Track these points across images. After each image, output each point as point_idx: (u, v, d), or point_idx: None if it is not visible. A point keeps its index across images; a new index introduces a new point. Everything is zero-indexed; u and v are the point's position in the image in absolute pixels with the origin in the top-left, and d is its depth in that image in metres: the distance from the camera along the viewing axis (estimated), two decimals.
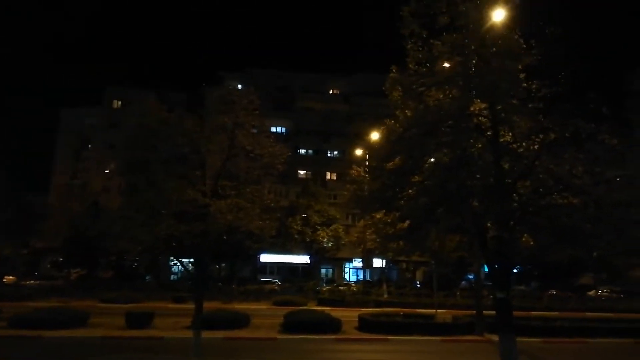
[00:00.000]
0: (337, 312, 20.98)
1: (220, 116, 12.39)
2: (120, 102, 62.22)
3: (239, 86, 49.85)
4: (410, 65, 10.20)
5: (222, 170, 12.19)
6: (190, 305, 25.95)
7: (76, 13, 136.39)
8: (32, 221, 42.53)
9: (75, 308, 20.62)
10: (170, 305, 28.07)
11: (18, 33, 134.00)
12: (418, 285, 43.01)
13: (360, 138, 40.64)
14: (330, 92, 62.60)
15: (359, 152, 36.67)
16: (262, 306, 28.35)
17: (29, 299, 27.26)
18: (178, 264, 47.34)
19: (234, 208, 11.88)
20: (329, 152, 58.83)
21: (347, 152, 52.05)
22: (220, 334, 16.59)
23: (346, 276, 51.45)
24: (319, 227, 42.39)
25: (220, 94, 12.98)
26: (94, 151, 59.07)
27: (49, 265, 45.03)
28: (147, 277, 43.12)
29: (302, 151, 57.26)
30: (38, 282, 36.83)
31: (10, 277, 38.07)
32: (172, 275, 47.52)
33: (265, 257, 48.08)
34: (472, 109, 9.84)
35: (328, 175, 56.54)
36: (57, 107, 63.33)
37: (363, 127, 42.52)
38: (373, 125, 31.25)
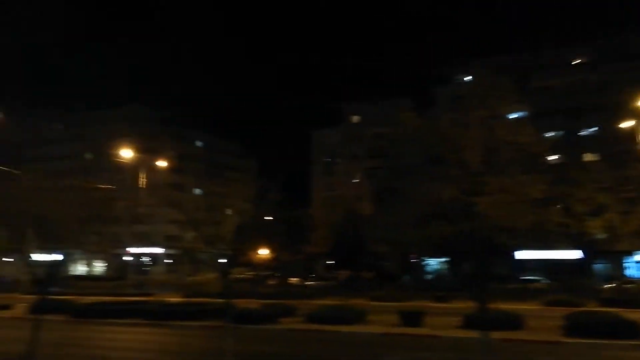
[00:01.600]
0: (630, 314, 17.91)
1: (474, 111, 12.09)
2: (358, 117, 67.70)
3: (468, 78, 48.45)
4: None
5: (482, 165, 11.83)
6: (453, 305, 26.17)
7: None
8: (302, 231, 49.72)
9: (351, 306, 22.89)
10: (433, 304, 28.63)
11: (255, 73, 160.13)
12: None
13: (622, 109, 34.30)
14: (572, 63, 54.82)
15: (628, 124, 30.92)
16: (530, 306, 26.36)
17: (312, 297, 31.64)
18: (431, 263, 48.07)
19: (500, 204, 11.38)
20: (581, 130, 51.35)
21: (606, 128, 44.47)
22: (496, 335, 16.00)
23: (627, 272, 43.63)
24: (586, 217, 37.13)
25: (471, 88, 12.72)
26: (342, 164, 65.56)
27: (323, 268, 51.89)
28: (405, 277, 45.21)
29: (548, 134, 51.32)
30: (317, 282, 42.95)
31: (295, 278, 45.31)
32: (426, 275, 48.69)
33: (521, 254, 44.71)
34: None
35: (586, 157, 49.29)
36: (308, 129, 72.98)
37: (622, 96, 35.71)
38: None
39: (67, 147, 78.38)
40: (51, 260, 13.77)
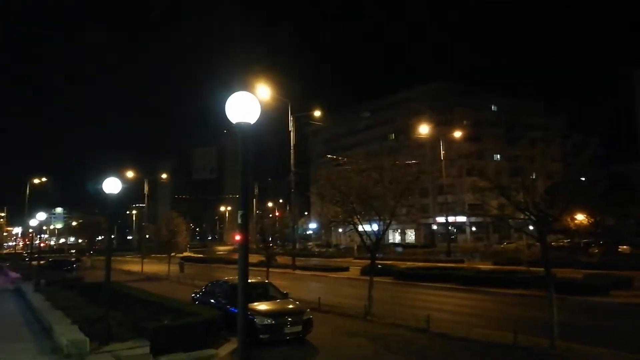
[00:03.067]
0: None
1: None
2: None
3: None
4: None
5: None
6: None
7: None
8: (631, 191, 41.64)
9: None
10: None
11: None
12: None
13: None
14: None
15: None
16: None
17: None
18: None
19: None
20: None
21: None
22: None
23: None
24: None
25: None
26: None
27: None
28: None
29: None
30: None
31: (625, 246, 38.74)
32: None
33: None
34: None
35: None
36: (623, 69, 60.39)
37: None
38: None
39: (375, 131, 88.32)
40: (375, 230, 15.94)
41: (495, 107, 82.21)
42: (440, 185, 59.94)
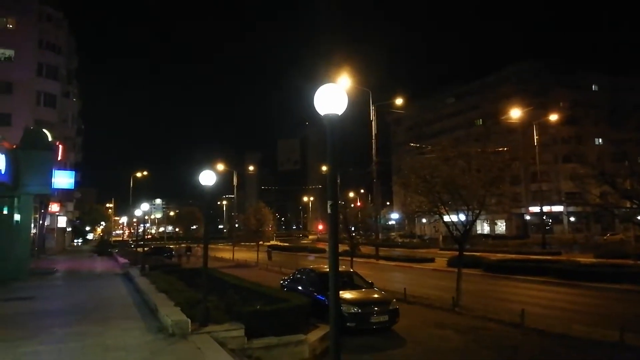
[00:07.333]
0: None
1: None
2: None
3: None
4: None
5: None
6: None
7: None
8: None
9: None
10: None
11: None
12: None
13: None
14: None
15: None
16: None
17: None
18: None
19: None
20: None
21: None
22: None
23: None
24: None
25: None
26: None
27: None
28: None
29: None
30: None
31: None
32: None
33: None
34: None
35: None
36: None
37: None
38: None
39: (461, 117, 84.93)
40: (463, 220, 15.42)
41: (596, 87, 75.33)
42: (534, 173, 56.37)
